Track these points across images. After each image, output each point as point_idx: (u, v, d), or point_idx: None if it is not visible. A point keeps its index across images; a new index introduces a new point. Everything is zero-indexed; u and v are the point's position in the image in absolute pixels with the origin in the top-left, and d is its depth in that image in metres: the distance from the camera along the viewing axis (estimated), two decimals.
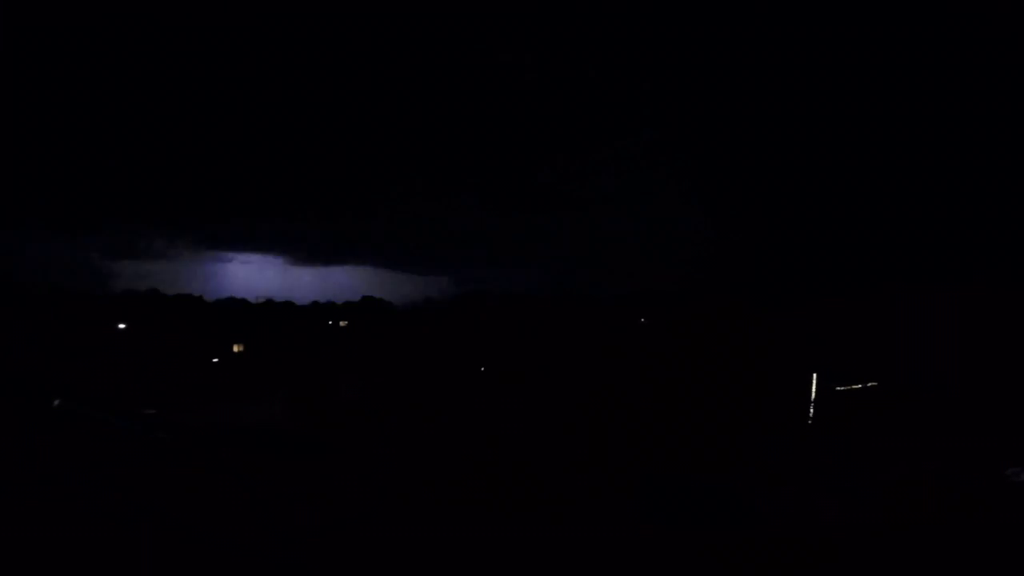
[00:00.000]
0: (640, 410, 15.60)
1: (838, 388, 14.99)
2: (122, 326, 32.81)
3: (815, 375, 15.04)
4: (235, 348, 30.53)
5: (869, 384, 14.98)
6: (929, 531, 8.86)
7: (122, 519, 8.68)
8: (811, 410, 14.91)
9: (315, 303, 50.29)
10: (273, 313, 46.69)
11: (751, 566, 8.17)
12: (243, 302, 50.35)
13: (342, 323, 44.84)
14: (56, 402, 14.70)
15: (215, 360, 27.24)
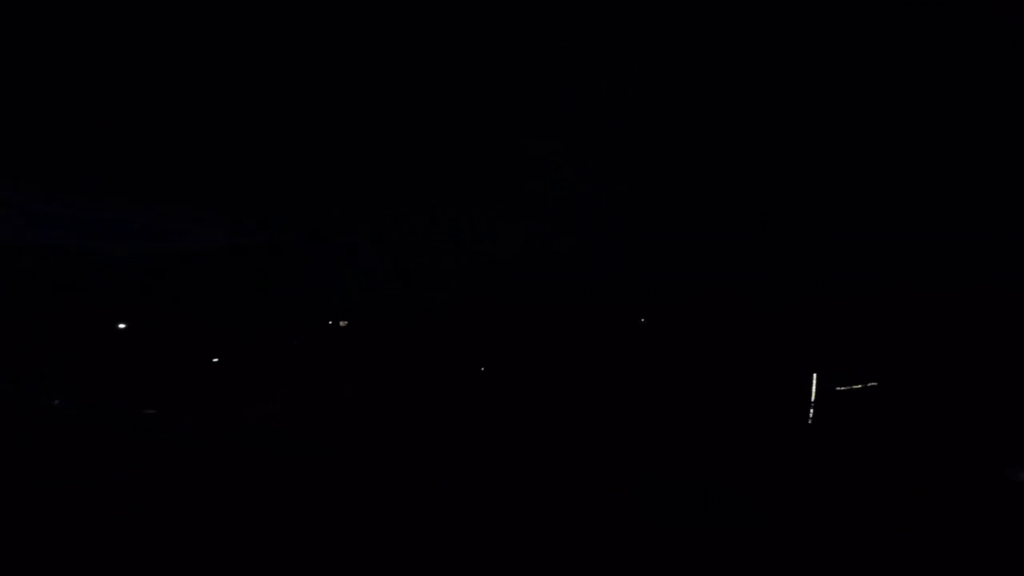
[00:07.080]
0: (640, 410, 15.61)
1: (838, 388, 14.99)
2: (122, 326, 32.89)
3: (815, 375, 15.05)
4: (235, 347, 30.57)
5: (869, 384, 14.99)
6: (929, 531, 8.88)
7: (122, 519, 8.70)
8: (811, 410, 14.92)
9: None
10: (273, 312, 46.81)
11: (751, 566, 8.19)
12: None
13: (342, 323, 44.93)
14: (56, 402, 14.72)
15: (215, 360, 27.29)
